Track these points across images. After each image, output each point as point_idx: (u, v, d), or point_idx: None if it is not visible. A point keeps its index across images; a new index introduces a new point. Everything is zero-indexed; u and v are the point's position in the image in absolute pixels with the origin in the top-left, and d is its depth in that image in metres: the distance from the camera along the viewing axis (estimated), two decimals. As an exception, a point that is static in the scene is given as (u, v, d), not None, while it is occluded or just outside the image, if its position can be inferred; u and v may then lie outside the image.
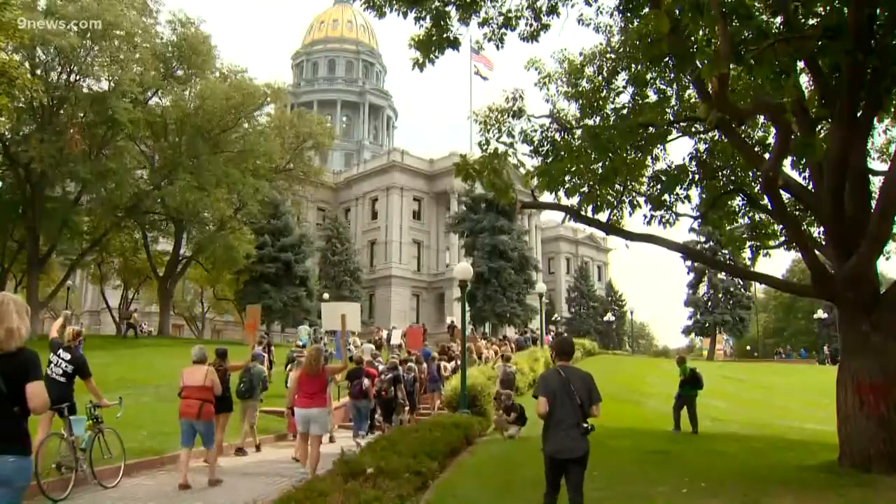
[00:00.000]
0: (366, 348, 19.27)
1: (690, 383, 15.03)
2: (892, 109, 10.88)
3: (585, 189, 11.83)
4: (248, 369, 12.59)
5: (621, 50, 12.23)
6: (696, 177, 12.49)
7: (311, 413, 9.55)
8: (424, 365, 19.02)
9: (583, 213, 11.81)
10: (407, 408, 16.65)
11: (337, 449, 9.25)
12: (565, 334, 36.01)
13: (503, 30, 11.49)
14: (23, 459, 3.98)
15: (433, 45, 10.85)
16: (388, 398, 15.38)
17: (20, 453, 3.94)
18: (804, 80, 11.03)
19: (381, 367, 16.80)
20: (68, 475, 8.20)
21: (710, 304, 60.66)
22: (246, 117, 38.55)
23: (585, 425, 5.80)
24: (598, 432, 13.53)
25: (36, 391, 3.95)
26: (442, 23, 10.77)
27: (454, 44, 10.99)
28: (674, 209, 12.32)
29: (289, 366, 16.93)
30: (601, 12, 12.17)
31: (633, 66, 11.94)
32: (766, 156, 10.62)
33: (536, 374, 19.86)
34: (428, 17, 10.75)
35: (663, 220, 12.09)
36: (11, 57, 24.63)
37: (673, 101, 12.47)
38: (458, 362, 18.74)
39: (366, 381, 14.34)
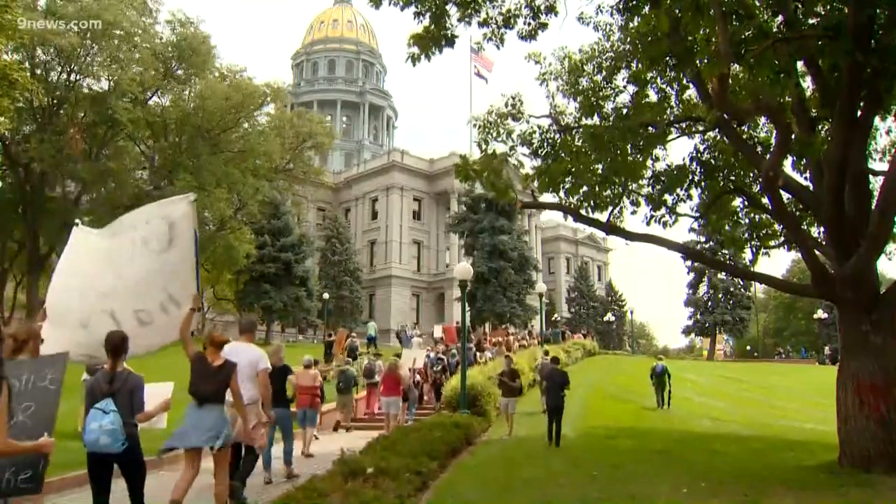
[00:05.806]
0: (415, 341, 27.33)
1: (657, 374, 19.75)
2: (893, 109, 10.87)
3: (585, 189, 11.83)
4: (343, 371, 17.50)
5: (621, 49, 12.20)
6: (697, 177, 12.47)
7: (390, 400, 14.99)
8: None
9: (583, 213, 11.80)
10: None
11: (337, 448, 9.41)
12: (588, 335, 38.91)
13: (503, 29, 11.44)
14: (287, 410, 9.71)
15: (431, 40, 10.83)
16: (440, 383, 19.70)
17: (287, 407, 9.60)
18: (804, 81, 11.01)
19: (430, 356, 21.28)
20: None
21: (710, 304, 60.63)
22: (246, 117, 38.50)
23: (562, 394, 12.43)
24: (599, 432, 13.75)
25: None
26: (441, 19, 10.75)
27: (451, 41, 10.96)
28: (674, 209, 12.32)
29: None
30: (601, 11, 12.14)
31: (633, 64, 11.91)
32: (767, 156, 10.62)
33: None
34: (427, 14, 10.73)
35: (663, 220, 12.08)
36: (12, 59, 24.63)
37: (673, 101, 12.45)
38: (491, 354, 23.74)
39: (418, 377, 18.81)
